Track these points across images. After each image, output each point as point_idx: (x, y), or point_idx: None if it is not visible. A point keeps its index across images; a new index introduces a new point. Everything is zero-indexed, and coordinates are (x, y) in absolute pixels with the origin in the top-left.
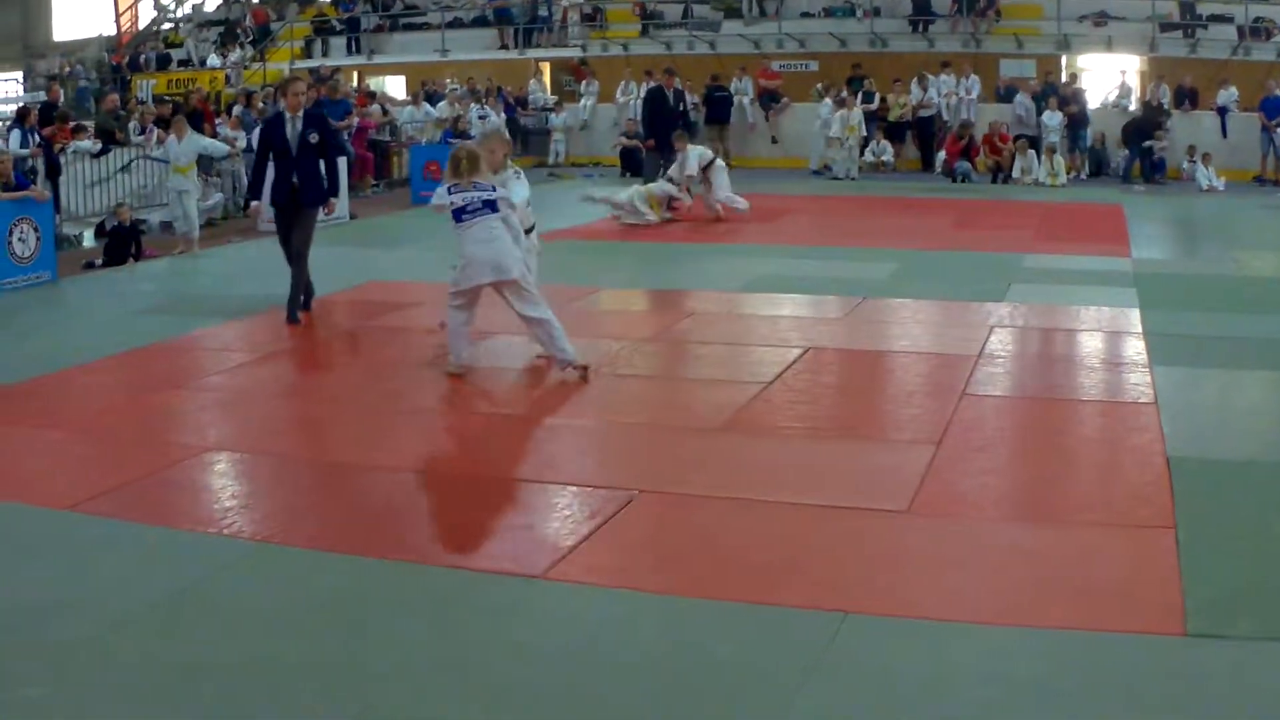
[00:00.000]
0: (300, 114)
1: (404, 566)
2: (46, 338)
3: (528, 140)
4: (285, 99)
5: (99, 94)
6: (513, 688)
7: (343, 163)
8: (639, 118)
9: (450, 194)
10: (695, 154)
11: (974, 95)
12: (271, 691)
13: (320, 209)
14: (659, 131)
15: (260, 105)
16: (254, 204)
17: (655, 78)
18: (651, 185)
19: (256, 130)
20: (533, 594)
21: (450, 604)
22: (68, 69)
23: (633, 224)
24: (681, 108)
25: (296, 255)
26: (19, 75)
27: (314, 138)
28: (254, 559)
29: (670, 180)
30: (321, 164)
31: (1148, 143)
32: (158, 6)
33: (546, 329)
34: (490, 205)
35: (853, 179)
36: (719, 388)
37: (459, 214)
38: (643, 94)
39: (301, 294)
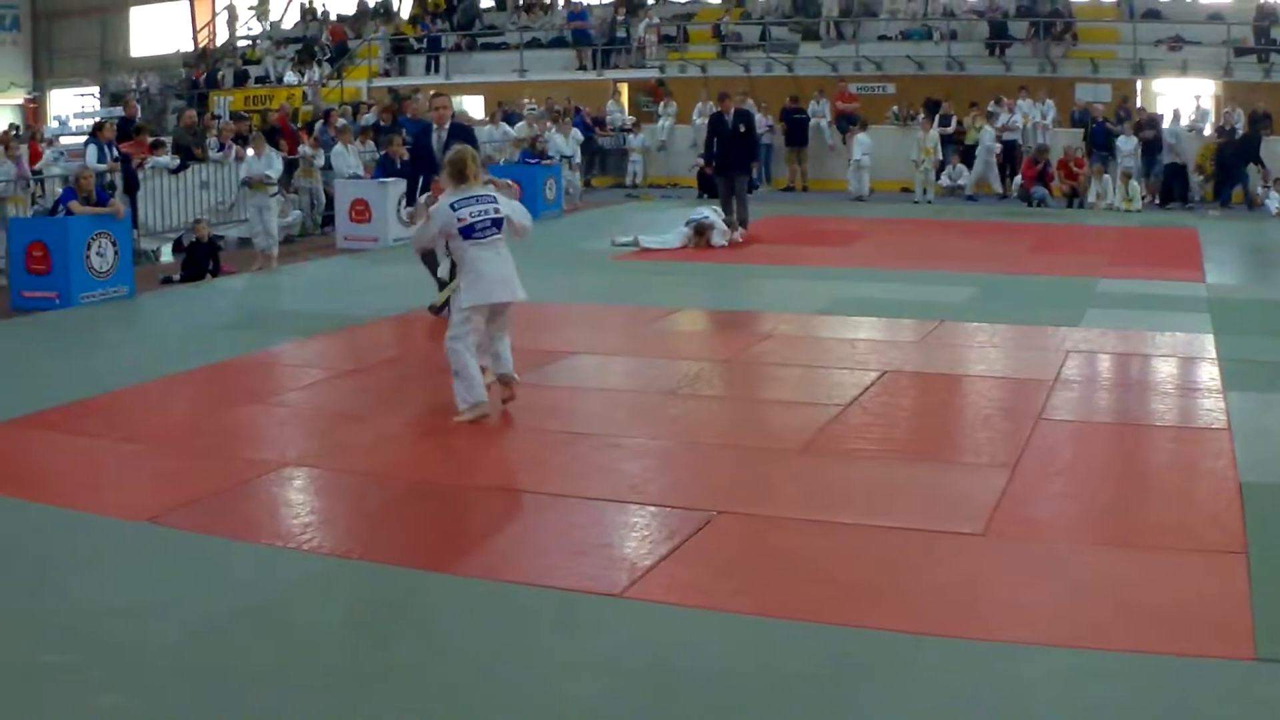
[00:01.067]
0: (446, 126)
1: (482, 584)
2: (125, 352)
3: (605, 161)
4: (432, 112)
5: (179, 110)
6: (592, 705)
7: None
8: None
9: (456, 210)
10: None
11: (1049, 120)
12: (348, 703)
13: None
14: (717, 156)
15: (339, 123)
16: (409, 210)
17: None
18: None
19: (335, 149)
20: (612, 612)
21: (529, 621)
22: (144, 84)
23: (657, 248)
24: (742, 130)
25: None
26: (95, 90)
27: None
28: (331, 573)
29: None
30: None
31: (1251, 165)
32: (232, 22)
33: (507, 347)
34: (497, 224)
35: (929, 202)
36: (797, 409)
37: (467, 231)
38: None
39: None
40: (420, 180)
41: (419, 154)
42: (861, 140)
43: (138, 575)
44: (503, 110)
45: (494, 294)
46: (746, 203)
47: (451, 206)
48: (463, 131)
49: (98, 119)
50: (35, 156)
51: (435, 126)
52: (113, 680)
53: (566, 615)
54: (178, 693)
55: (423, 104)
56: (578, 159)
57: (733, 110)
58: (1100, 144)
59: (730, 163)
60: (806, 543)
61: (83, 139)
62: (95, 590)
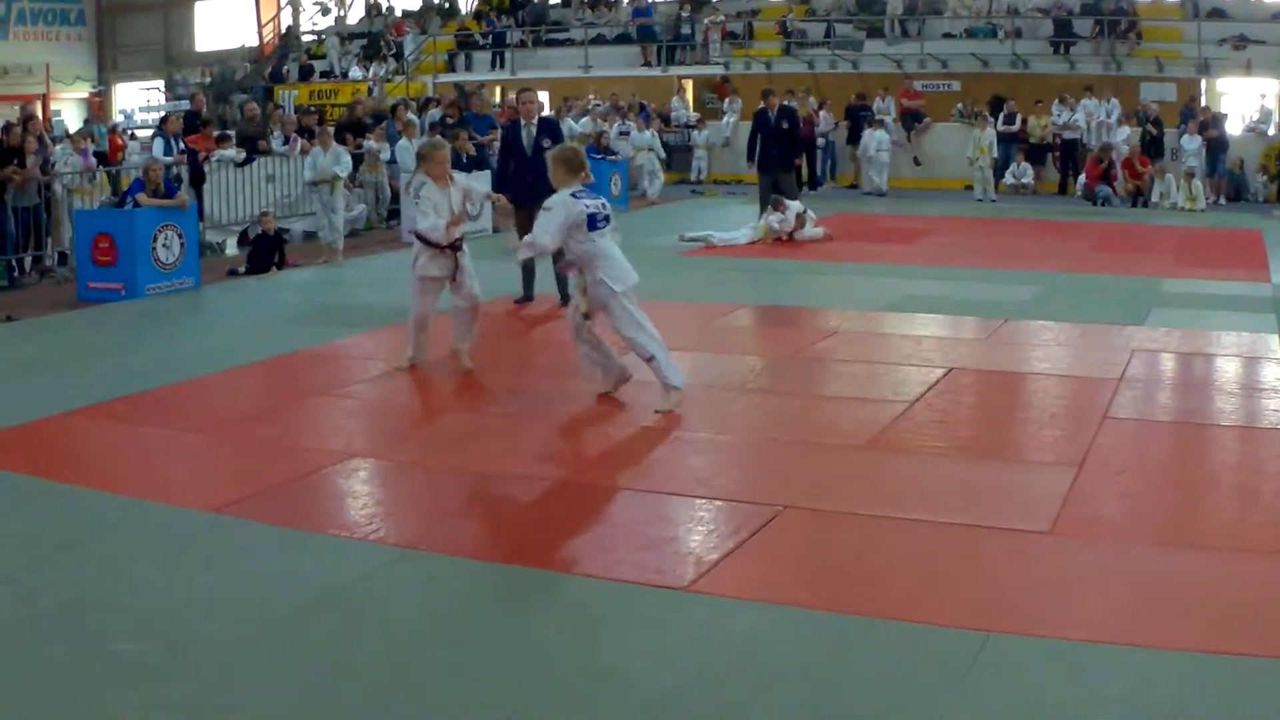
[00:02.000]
0: (535, 121)
1: (549, 575)
2: (191, 343)
3: (670, 157)
4: (521, 107)
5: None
6: (658, 698)
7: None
8: None
9: (579, 198)
10: (795, 208)
11: (1114, 118)
12: (417, 695)
13: None
14: (760, 154)
15: (406, 118)
16: (501, 200)
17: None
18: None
19: (399, 144)
20: (679, 606)
21: (595, 613)
22: (209, 78)
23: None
24: (785, 127)
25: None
26: (160, 84)
27: (547, 143)
28: (398, 565)
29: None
30: None
31: None
32: (295, 15)
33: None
34: (607, 218)
35: (991, 201)
36: (863, 405)
37: (592, 222)
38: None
39: (534, 281)
40: (507, 174)
41: (509, 149)
42: (879, 137)
43: (206, 565)
44: (567, 105)
45: (633, 275)
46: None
47: (574, 196)
48: (551, 126)
49: (164, 112)
50: (116, 149)
51: (524, 122)
52: (183, 670)
53: (633, 609)
54: (248, 683)
55: (488, 99)
56: (661, 154)
57: (776, 107)
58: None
59: (771, 160)
60: (872, 539)
61: (148, 132)
62: (163, 580)
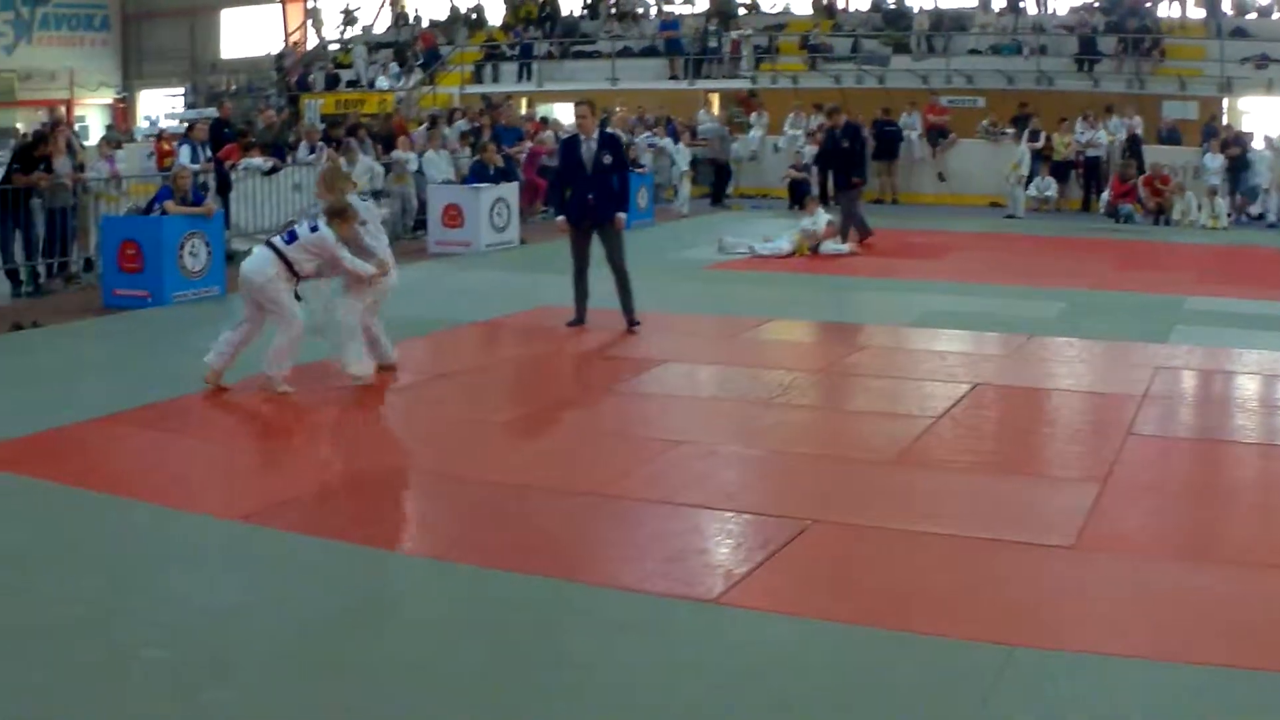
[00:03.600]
0: (595, 135)
1: (579, 587)
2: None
3: (696, 171)
4: (578, 121)
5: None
6: (688, 709)
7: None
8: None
9: None
10: (824, 216)
11: (1138, 134)
12: (447, 704)
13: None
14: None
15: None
16: (559, 219)
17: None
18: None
19: (426, 155)
20: (707, 619)
21: (624, 626)
22: (234, 86)
23: (768, 255)
24: (846, 145)
25: (615, 268)
26: (184, 91)
27: (608, 158)
28: (428, 575)
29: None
30: (615, 181)
31: None
32: (316, 25)
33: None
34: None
35: (1018, 217)
36: (890, 420)
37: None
38: (810, 127)
39: (630, 301)
40: (566, 191)
41: (568, 164)
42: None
43: (235, 573)
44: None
45: None
46: (848, 217)
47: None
48: (613, 141)
49: (189, 119)
50: (163, 155)
51: (584, 136)
52: (215, 676)
53: (663, 621)
54: (282, 690)
55: (515, 111)
56: (685, 167)
57: (842, 124)
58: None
59: (837, 177)
60: (899, 553)
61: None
62: (193, 587)
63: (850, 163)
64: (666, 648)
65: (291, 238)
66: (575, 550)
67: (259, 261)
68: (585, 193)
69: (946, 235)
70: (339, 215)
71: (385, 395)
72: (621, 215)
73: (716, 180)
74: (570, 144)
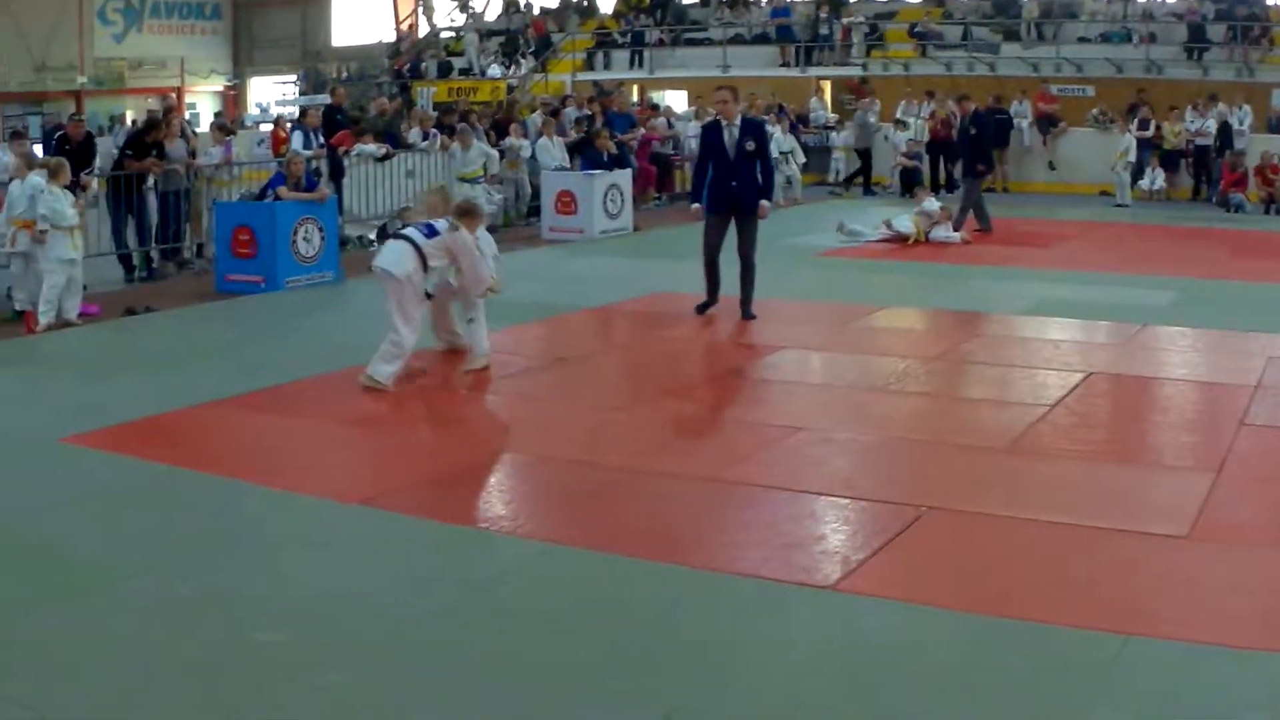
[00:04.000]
0: (737, 121)
1: (695, 573)
2: (331, 336)
3: (808, 158)
4: (718, 107)
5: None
6: (808, 696)
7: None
8: (922, 139)
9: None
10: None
11: (1246, 125)
12: (576, 689)
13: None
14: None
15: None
16: (695, 206)
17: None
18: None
19: (539, 142)
20: (826, 605)
21: (744, 611)
22: (345, 74)
23: (889, 237)
24: (974, 132)
25: (744, 257)
26: (295, 78)
27: (750, 145)
28: (546, 559)
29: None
30: (759, 168)
31: None
32: (428, 12)
33: None
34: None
35: (1125, 206)
36: (1003, 409)
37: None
38: (923, 114)
39: (751, 294)
40: (708, 178)
41: (710, 150)
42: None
43: (352, 557)
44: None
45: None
46: (968, 207)
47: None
48: (756, 127)
49: (302, 106)
50: (279, 141)
51: (725, 122)
52: (332, 659)
53: (781, 607)
54: (398, 674)
55: (626, 98)
56: (800, 156)
57: (970, 112)
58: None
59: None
60: (1014, 541)
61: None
62: (310, 571)
63: (978, 150)
64: (784, 634)
65: (431, 233)
66: (692, 535)
67: (399, 255)
68: (728, 180)
69: (1057, 224)
70: (469, 214)
71: (500, 380)
72: (765, 204)
73: (864, 168)
74: (712, 129)
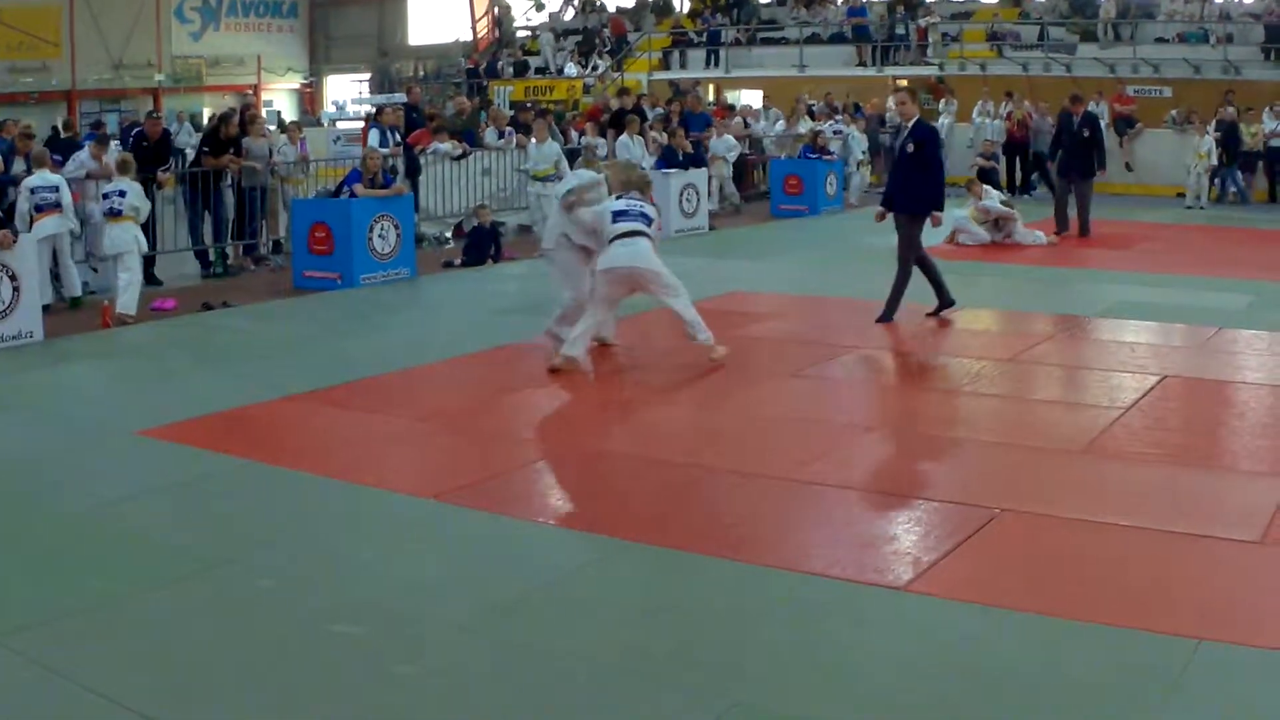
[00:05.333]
0: (910, 124)
1: (767, 572)
2: (407, 333)
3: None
4: (898, 108)
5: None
6: (876, 696)
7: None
8: (998, 139)
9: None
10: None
11: None
12: (642, 683)
13: (919, 217)
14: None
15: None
16: (878, 209)
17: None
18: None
19: (620, 139)
20: (897, 605)
21: (815, 610)
22: (421, 72)
23: (967, 244)
24: (1086, 134)
25: (899, 259)
26: (368, 76)
27: (910, 148)
28: (616, 556)
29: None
30: (923, 174)
31: None
32: (503, 11)
33: None
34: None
35: (1202, 208)
36: (1078, 410)
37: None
38: (1002, 114)
39: (899, 297)
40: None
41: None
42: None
43: (425, 551)
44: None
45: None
46: (1088, 207)
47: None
48: (922, 132)
49: (378, 104)
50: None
51: (904, 124)
52: (406, 652)
53: (852, 606)
54: (470, 668)
55: (701, 97)
56: (866, 157)
57: (1082, 113)
58: None
59: (1071, 166)
60: (1088, 544)
61: (359, 124)
62: (384, 564)
63: (1090, 152)
64: (856, 634)
65: (648, 221)
66: (765, 534)
67: (647, 251)
68: (892, 180)
69: (1133, 225)
70: (649, 187)
71: (575, 377)
72: (937, 214)
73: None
74: (896, 131)
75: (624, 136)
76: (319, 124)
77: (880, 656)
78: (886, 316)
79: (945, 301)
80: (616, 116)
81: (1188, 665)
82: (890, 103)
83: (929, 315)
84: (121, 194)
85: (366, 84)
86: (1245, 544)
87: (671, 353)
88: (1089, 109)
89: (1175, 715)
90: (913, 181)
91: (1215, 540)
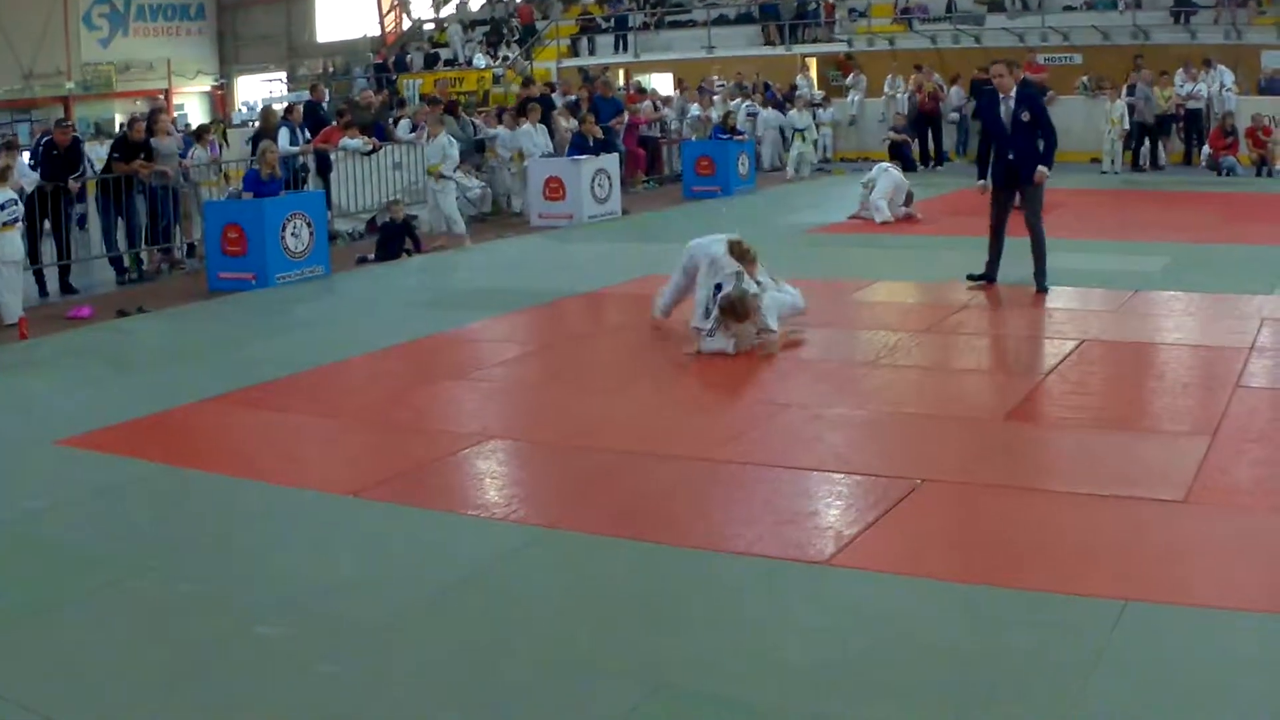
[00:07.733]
0: (1013, 94)
1: (690, 552)
2: (323, 330)
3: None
4: (995, 80)
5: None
6: (804, 671)
7: None
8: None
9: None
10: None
11: (1229, 87)
12: (567, 671)
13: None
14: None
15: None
16: (980, 183)
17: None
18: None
19: (522, 129)
20: (820, 580)
21: (738, 588)
22: (331, 69)
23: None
24: (1025, 119)
25: (1031, 229)
26: (282, 76)
27: (1025, 116)
28: (538, 544)
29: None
30: (1038, 139)
31: None
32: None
33: None
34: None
35: (1116, 173)
36: (996, 378)
37: None
38: (907, 89)
39: (1043, 265)
40: (989, 154)
41: (990, 124)
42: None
43: (346, 549)
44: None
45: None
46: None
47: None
48: (1031, 99)
49: (287, 103)
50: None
51: (1002, 95)
52: (329, 651)
53: (776, 583)
54: (395, 664)
55: (610, 83)
56: (813, 134)
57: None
58: None
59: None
60: (1010, 510)
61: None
62: (304, 563)
63: (1033, 143)
64: (780, 610)
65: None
66: (685, 516)
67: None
68: (1006, 152)
69: (1049, 192)
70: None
71: (492, 367)
72: (1043, 170)
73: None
74: (989, 104)
75: (526, 124)
76: (244, 125)
77: (805, 632)
78: (1042, 287)
79: (990, 275)
80: (521, 105)
81: (1115, 626)
82: (799, 80)
83: (969, 278)
84: (15, 202)
85: (281, 83)
86: (1170, 503)
87: (586, 339)
88: (1026, 78)
89: (1105, 677)
90: (1035, 149)
91: (1140, 501)
